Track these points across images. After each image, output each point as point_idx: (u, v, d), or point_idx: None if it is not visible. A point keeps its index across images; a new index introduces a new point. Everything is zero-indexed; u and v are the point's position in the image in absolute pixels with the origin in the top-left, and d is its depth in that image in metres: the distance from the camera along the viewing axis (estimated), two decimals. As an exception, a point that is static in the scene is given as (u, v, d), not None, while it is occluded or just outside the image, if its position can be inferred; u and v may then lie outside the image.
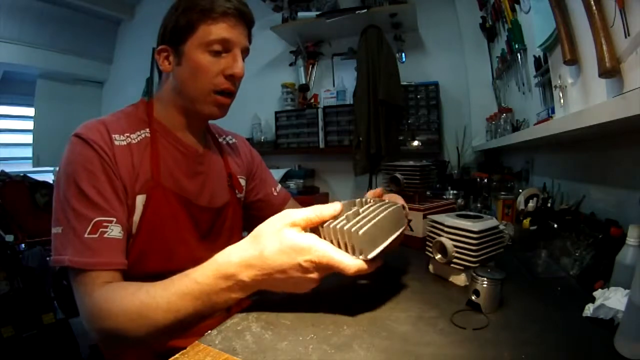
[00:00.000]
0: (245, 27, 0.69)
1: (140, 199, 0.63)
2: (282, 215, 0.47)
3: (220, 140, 0.85)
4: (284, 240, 0.44)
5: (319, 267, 0.44)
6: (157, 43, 0.69)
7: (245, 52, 0.70)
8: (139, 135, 0.66)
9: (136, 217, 0.63)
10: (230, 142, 0.88)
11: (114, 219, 0.58)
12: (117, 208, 0.59)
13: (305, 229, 0.47)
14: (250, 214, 0.90)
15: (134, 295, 0.49)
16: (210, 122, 0.83)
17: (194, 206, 0.71)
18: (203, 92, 0.67)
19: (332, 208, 0.47)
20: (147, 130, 0.68)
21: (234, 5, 0.64)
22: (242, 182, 0.85)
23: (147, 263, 0.64)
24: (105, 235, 0.56)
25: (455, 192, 1.43)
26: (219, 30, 0.64)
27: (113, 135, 0.62)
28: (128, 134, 0.65)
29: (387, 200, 0.56)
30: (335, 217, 0.47)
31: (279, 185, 0.96)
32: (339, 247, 0.46)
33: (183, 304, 0.46)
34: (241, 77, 0.69)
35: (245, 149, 0.91)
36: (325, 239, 0.46)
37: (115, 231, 0.58)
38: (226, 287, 0.45)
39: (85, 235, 0.55)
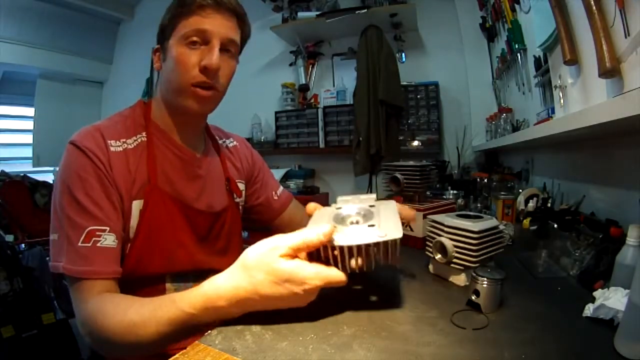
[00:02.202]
0: (227, 17, 0.65)
1: (136, 204, 0.63)
2: (269, 245, 0.45)
3: (220, 143, 0.83)
4: (278, 272, 0.43)
5: (317, 289, 0.44)
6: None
7: (231, 44, 0.66)
8: (135, 140, 0.66)
9: (133, 222, 0.63)
10: (231, 145, 0.87)
11: (108, 228, 0.58)
12: (111, 216, 0.59)
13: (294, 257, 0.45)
14: (251, 218, 0.90)
15: (124, 313, 0.50)
16: (211, 124, 0.82)
17: (192, 210, 0.70)
18: (182, 85, 0.64)
19: (318, 233, 0.44)
20: (144, 134, 0.67)
21: None
22: (241, 186, 0.84)
23: (147, 266, 0.63)
24: (99, 245, 0.56)
25: (455, 192, 1.43)
26: (195, 21, 0.63)
27: (109, 142, 0.62)
28: (124, 139, 0.64)
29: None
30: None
31: (281, 188, 0.95)
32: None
33: (171, 330, 0.47)
34: (217, 70, 0.64)
35: (247, 152, 0.89)
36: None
37: (108, 240, 0.58)
38: (215, 317, 0.46)
39: (79, 244, 0.55)
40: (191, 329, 0.47)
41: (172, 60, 0.65)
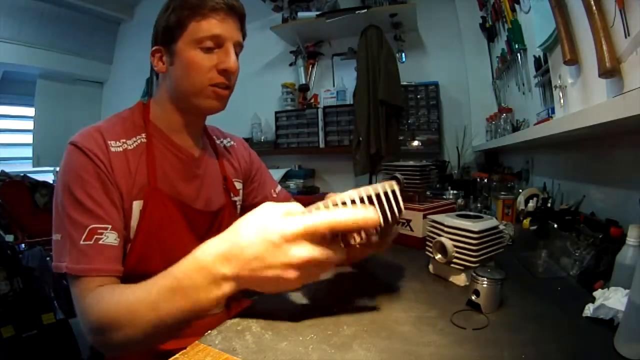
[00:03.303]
0: (236, 21, 0.68)
1: (136, 205, 0.63)
2: (262, 208, 0.43)
3: (218, 142, 0.84)
4: (257, 219, 0.41)
5: (297, 241, 0.39)
6: (151, 44, 0.70)
7: (238, 46, 0.68)
8: (134, 141, 0.66)
9: (133, 222, 0.63)
10: (228, 145, 0.88)
11: (109, 226, 0.58)
12: (112, 215, 0.59)
13: None
14: None
15: (121, 295, 0.49)
16: (209, 124, 0.83)
17: (191, 210, 0.71)
18: (198, 87, 0.66)
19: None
20: (143, 135, 0.68)
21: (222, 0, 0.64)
22: (238, 185, 0.85)
23: (147, 266, 0.64)
24: (101, 242, 0.57)
25: (455, 192, 1.43)
26: (209, 26, 0.64)
27: (109, 142, 0.62)
28: (124, 140, 0.65)
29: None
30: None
31: (279, 187, 0.96)
32: None
33: (164, 301, 0.44)
34: (235, 72, 0.68)
35: (244, 152, 0.90)
36: None
37: (110, 238, 0.58)
38: (206, 282, 0.42)
39: (81, 242, 0.55)
40: (186, 307, 0.43)
41: (185, 64, 0.65)
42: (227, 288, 0.42)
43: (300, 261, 0.40)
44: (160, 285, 0.45)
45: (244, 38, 0.71)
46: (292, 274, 0.40)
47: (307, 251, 0.40)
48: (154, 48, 0.69)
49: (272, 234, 0.40)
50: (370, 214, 0.41)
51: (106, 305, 0.50)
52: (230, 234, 0.43)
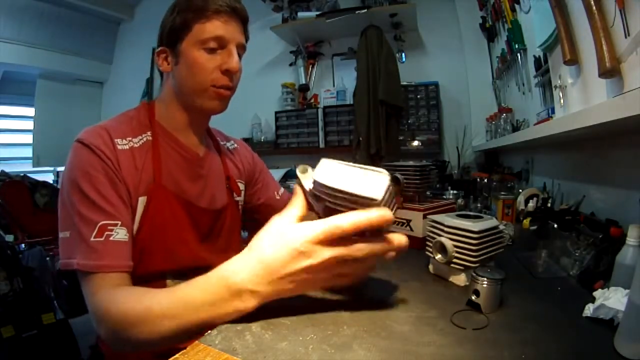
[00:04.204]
0: (239, 24, 0.69)
1: (141, 201, 0.64)
2: (279, 214, 0.45)
3: (221, 144, 0.86)
4: (275, 231, 0.43)
5: (322, 243, 0.40)
6: (156, 45, 0.71)
7: (241, 48, 0.70)
8: (140, 139, 0.67)
9: (137, 218, 0.64)
10: (231, 147, 0.89)
11: (119, 222, 0.59)
12: (122, 211, 0.60)
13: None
14: (254, 218, 0.91)
15: (138, 300, 0.49)
16: (212, 127, 0.85)
17: (195, 208, 0.71)
18: (201, 87, 0.68)
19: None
20: (149, 133, 0.69)
21: (226, 2, 0.66)
22: (241, 186, 0.86)
23: (148, 263, 0.64)
24: (111, 239, 0.57)
25: (455, 192, 1.43)
26: (213, 27, 0.66)
27: (115, 140, 0.63)
28: (130, 138, 0.66)
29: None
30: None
31: (282, 189, 0.98)
32: None
33: (186, 312, 0.45)
34: (237, 72, 0.69)
35: (247, 154, 0.92)
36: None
37: (120, 234, 0.58)
38: (229, 297, 0.43)
39: (92, 239, 0.56)
40: (208, 318, 0.44)
41: (189, 64, 0.67)
42: (253, 301, 0.43)
43: (328, 260, 0.40)
44: (183, 297, 0.45)
45: (246, 41, 0.73)
46: (319, 275, 0.42)
47: (331, 250, 0.40)
48: (159, 49, 0.70)
49: (295, 241, 0.41)
50: (387, 213, 0.41)
51: (122, 308, 0.49)
52: (253, 250, 0.44)
